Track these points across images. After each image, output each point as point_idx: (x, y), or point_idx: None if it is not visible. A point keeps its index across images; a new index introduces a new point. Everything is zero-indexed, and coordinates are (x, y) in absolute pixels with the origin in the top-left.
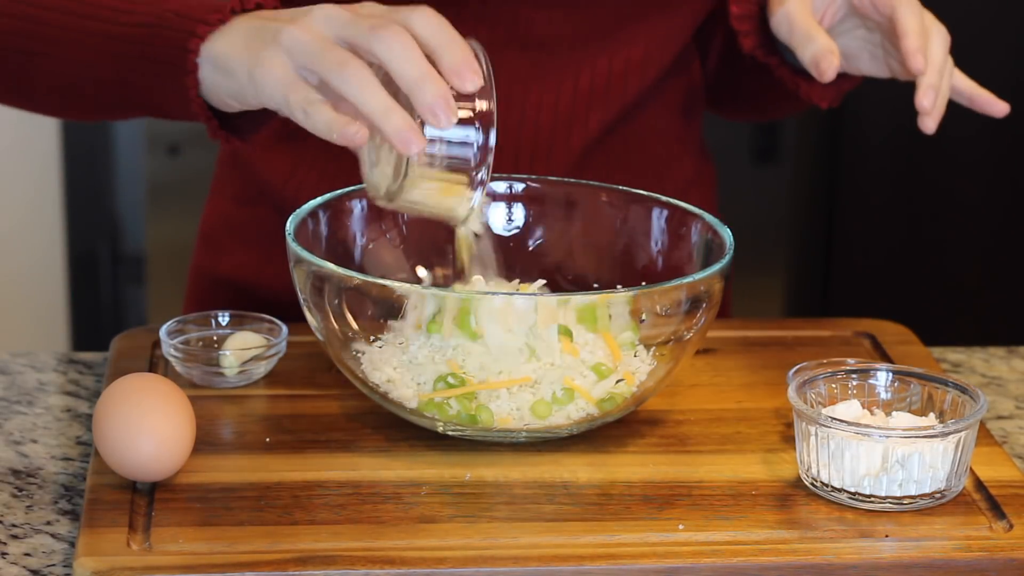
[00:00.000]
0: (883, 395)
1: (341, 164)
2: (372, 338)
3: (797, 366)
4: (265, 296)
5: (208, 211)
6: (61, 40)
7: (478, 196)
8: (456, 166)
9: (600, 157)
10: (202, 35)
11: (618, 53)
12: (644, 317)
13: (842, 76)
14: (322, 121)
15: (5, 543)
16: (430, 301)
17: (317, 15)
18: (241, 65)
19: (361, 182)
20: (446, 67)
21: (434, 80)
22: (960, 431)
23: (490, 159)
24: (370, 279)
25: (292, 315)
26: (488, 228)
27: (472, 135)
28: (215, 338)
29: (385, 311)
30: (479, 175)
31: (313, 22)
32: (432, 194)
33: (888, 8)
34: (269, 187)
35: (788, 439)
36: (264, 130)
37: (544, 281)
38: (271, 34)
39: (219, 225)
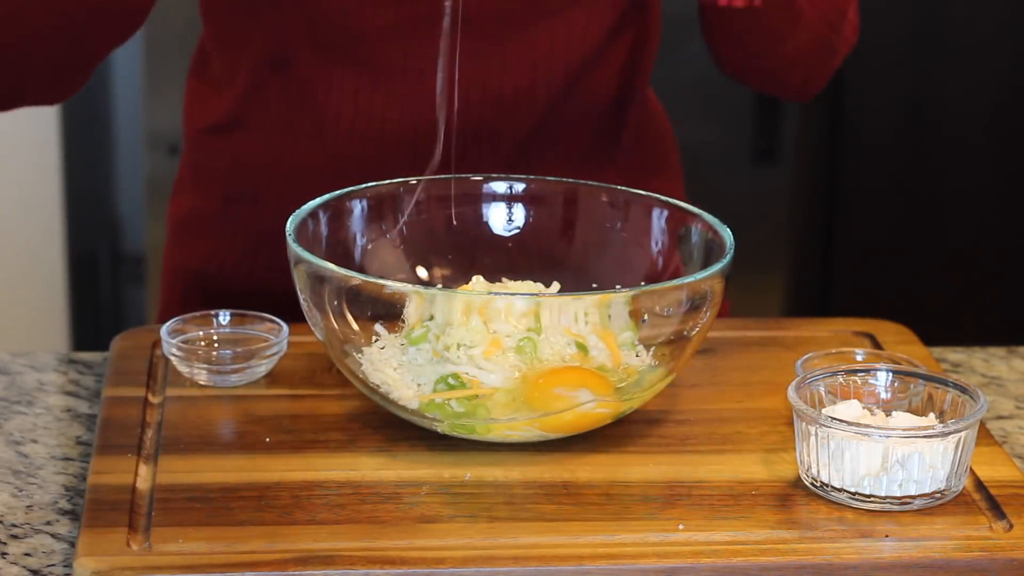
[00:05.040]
0: (883, 395)
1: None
2: (372, 338)
3: (805, 356)
4: (263, 294)
5: (177, 206)
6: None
7: None
8: None
9: (545, 137)
10: None
11: (544, 30)
12: (644, 317)
13: None
14: None
15: (5, 543)
16: (428, 304)
17: None
18: None
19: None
20: None
21: None
22: (960, 431)
23: None
24: (370, 279)
25: (292, 315)
26: None
27: None
28: (215, 337)
29: (385, 311)
30: None
31: None
32: None
33: None
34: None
35: (788, 439)
36: None
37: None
38: None
39: (192, 219)
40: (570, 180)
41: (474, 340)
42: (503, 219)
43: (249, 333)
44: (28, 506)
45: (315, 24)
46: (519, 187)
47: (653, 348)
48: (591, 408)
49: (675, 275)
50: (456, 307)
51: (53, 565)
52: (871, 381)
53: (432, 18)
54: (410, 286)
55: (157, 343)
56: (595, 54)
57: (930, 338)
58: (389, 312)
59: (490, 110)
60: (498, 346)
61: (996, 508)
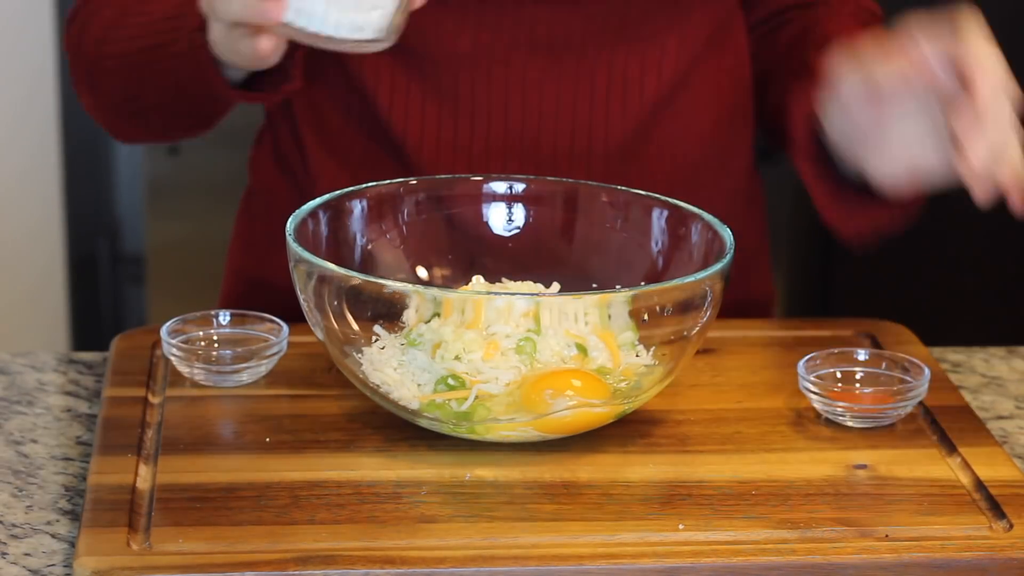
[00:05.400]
0: None
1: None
2: (372, 338)
3: (808, 356)
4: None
5: (245, 218)
6: (151, 91)
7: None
8: None
9: (632, 167)
10: (200, 27)
11: (633, 52)
12: (644, 317)
13: (877, 203)
14: (246, 53)
15: (5, 543)
16: (427, 304)
17: None
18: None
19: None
20: None
21: None
22: None
23: None
24: (370, 279)
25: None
26: None
27: None
28: (215, 337)
29: (385, 311)
30: None
31: None
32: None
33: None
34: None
35: (787, 438)
36: (296, 77)
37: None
38: (208, 6)
39: (261, 231)
40: (570, 180)
41: (470, 348)
42: (503, 219)
43: (249, 333)
44: (28, 506)
45: (395, 51)
46: (519, 187)
47: (653, 348)
48: (584, 411)
49: (675, 275)
50: (448, 327)
51: (53, 565)
52: None
53: (513, 45)
54: (410, 286)
55: (157, 343)
56: (683, 80)
57: (930, 338)
58: (389, 312)
59: (566, 132)
60: (496, 348)
61: (996, 508)
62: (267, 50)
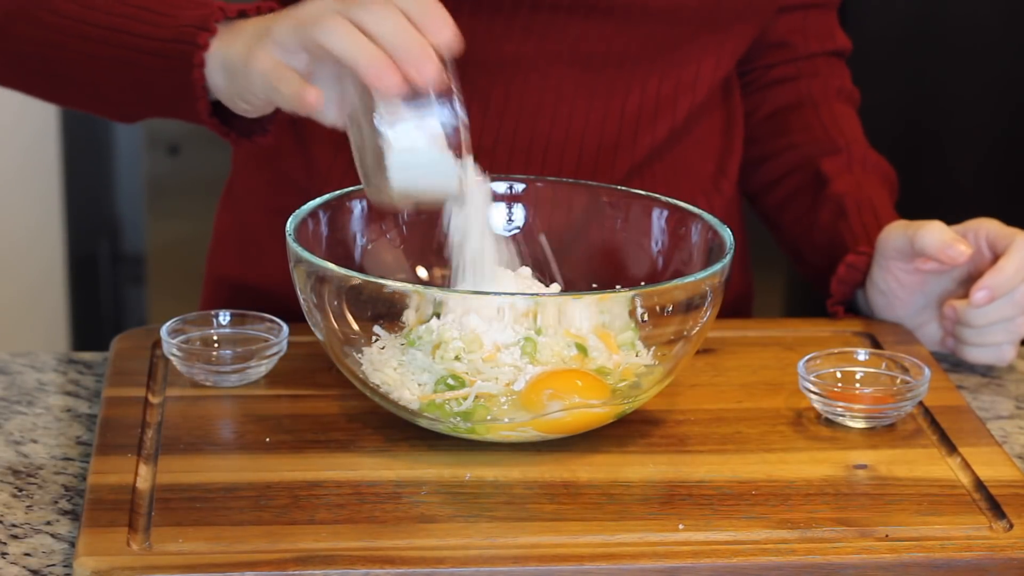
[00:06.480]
0: None
1: None
2: (372, 338)
3: (808, 356)
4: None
5: (227, 218)
6: (86, 64)
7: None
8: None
9: (645, 181)
10: (204, 45)
11: (668, 74)
12: (644, 317)
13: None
14: (289, 92)
15: (5, 543)
16: (427, 304)
17: (309, 6)
18: (239, 64)
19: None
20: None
21: (416, 37)
22: None
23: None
24: (370, 279)
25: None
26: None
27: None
28: (215, 337)
29: (385, 311)
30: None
31: (302, 12)
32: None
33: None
34: (304, 181)
35: (788, 439)
36: (272, 132)
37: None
38: (265, 31)
39: (243, 233)
40: (570, 180)
41: (471, 348)
42: (503, 219)
43: (249, 333)
44: (28, 506)
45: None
46: (519, 187)
47: (653, 348)
48: (584, 411)
49: (675, 275)
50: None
51: (53, 565)
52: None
53: (554, 56)
54: (410, 286)
55: (157, 343)
56: (708, 102)
57: None
58: (389, 312)
59: (592, 146)
60: (498, 349)
61: (996, 508)
62: (314, 101)
